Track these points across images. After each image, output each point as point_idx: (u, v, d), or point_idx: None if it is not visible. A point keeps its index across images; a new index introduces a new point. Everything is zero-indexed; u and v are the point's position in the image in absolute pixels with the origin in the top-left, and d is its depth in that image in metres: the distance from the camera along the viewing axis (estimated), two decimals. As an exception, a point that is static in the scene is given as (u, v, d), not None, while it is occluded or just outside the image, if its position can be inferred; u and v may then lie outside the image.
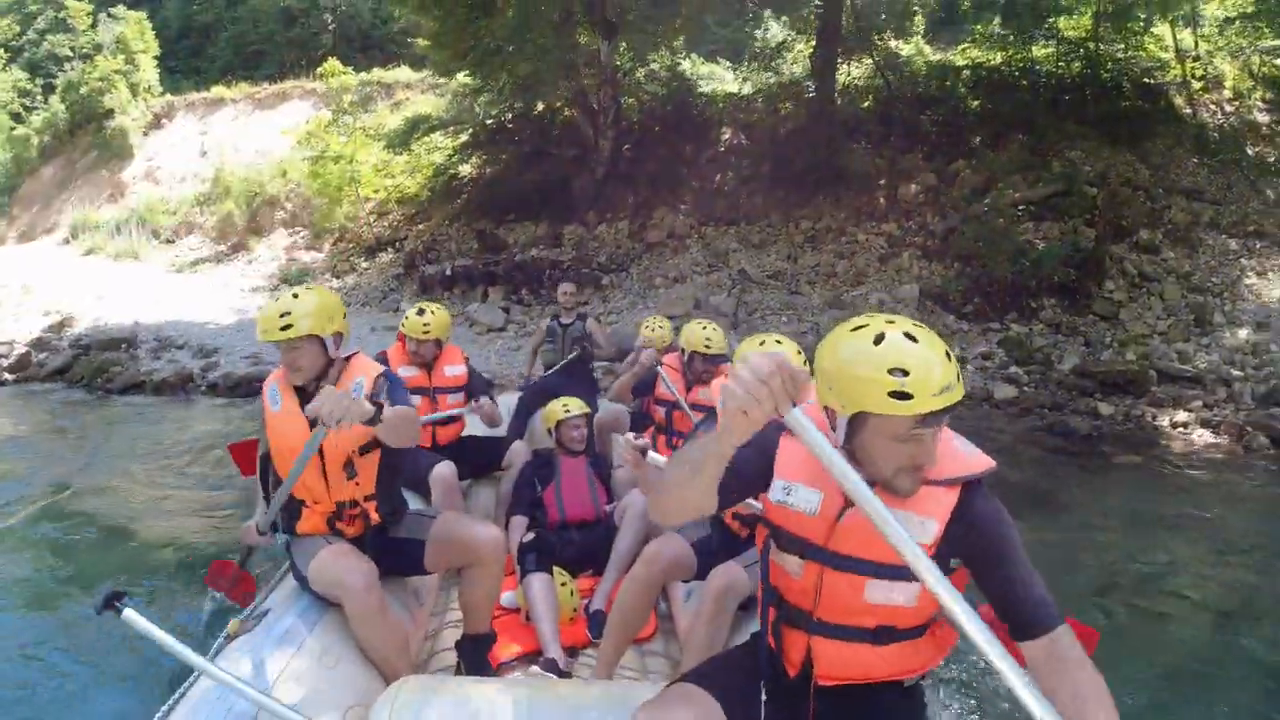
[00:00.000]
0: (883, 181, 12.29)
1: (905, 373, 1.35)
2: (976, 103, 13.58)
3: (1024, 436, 7.07)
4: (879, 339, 1.40)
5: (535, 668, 2.83)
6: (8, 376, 10.50)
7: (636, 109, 13.92)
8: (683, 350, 3.86)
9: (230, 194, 18.12)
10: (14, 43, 32.65)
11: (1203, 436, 7.07)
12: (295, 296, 2.52)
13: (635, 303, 10.69)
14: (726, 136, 14.00)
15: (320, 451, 2.49)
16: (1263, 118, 14.40)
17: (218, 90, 24.11)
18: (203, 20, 30.46)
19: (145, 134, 23.98)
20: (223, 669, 1.97)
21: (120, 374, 10.08)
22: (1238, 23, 15.31)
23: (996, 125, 13.35)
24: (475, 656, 2.77)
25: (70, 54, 29.24)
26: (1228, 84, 14.82)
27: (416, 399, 3.77)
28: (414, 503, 3.02)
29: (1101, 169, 12.09)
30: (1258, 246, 11.39)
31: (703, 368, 3.79)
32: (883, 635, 1.58)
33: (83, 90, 24.52)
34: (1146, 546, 4.94)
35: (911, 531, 1.39)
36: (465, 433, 4.17)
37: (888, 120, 13.50)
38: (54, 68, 30.28)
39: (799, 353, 2.73)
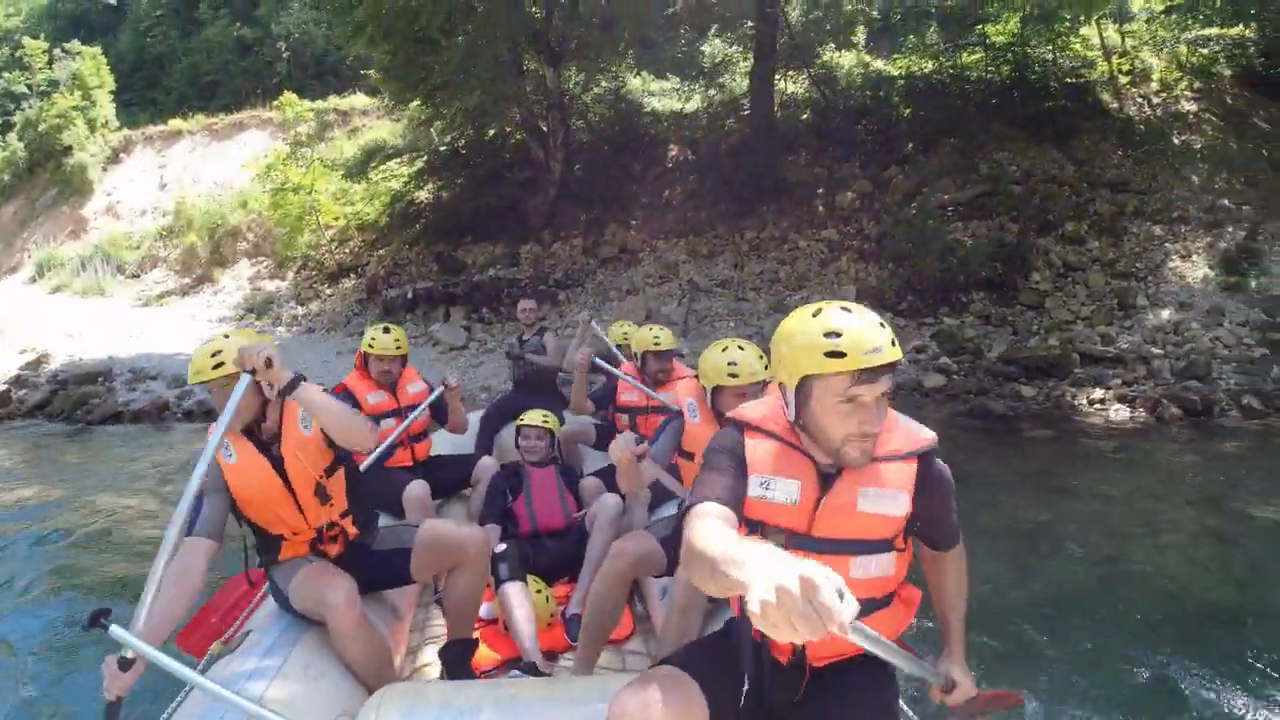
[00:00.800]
0: (821, 190, 12.76)
1: (838, 335, 1.51)
2: (909, 111, 14.09)
3: (947, 420, 7.47)
4: (816, 312, 1.58)
5: (516, 671, 2.86)
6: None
7: (585, 130, 14.33)
8: (636, 355, 4.05)
9: (192, 226, 18.35)
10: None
11: (1119, 411, 7.52)
12: (226, 336, 2.52)
13: (595, 316, 10.99)
14: (674, 153, 14.43)
15: (288, 484, 2.51)
16: (1190, 106, 14.92)
17: (174, 123, 24.25)
18: (156, 52, 30.49)
19: (104, 169, 24.03)
20: (211, 684, 2.02)
21: (99, 405, 10.41)
22: (1162, 16, 16.13)
23: (928, 131, 13.80)
24: (459, 662, 2.80)
25: (27, 91, 29.16)
26: (1155, 77, 15.41)
27: (389, 421, 3.90)
28: (388, 522, 3.08)
29: (1027, 167, 12.73)
30: (1182, 230, 11.92)
31: (657, 366, 3.97)
32: (865, 607, 1.65)
33: (41, 128, 24.57)
34: (1050, 506, 5.36)
35: (886, 506, 1.62)
36: (433, 452, 4.21)
37: (825, 131, 13.97)
38: (10, 105, 30.27)
39: (760, 357, 2.78)
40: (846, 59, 15.26)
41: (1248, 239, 11.53)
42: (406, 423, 3.87)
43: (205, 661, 2.39)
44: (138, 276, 18.88)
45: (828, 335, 1.51)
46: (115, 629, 1.92)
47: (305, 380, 2.29)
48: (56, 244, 22.48)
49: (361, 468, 3.41)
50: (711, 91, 14.81)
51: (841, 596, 1.03)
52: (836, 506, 1.62)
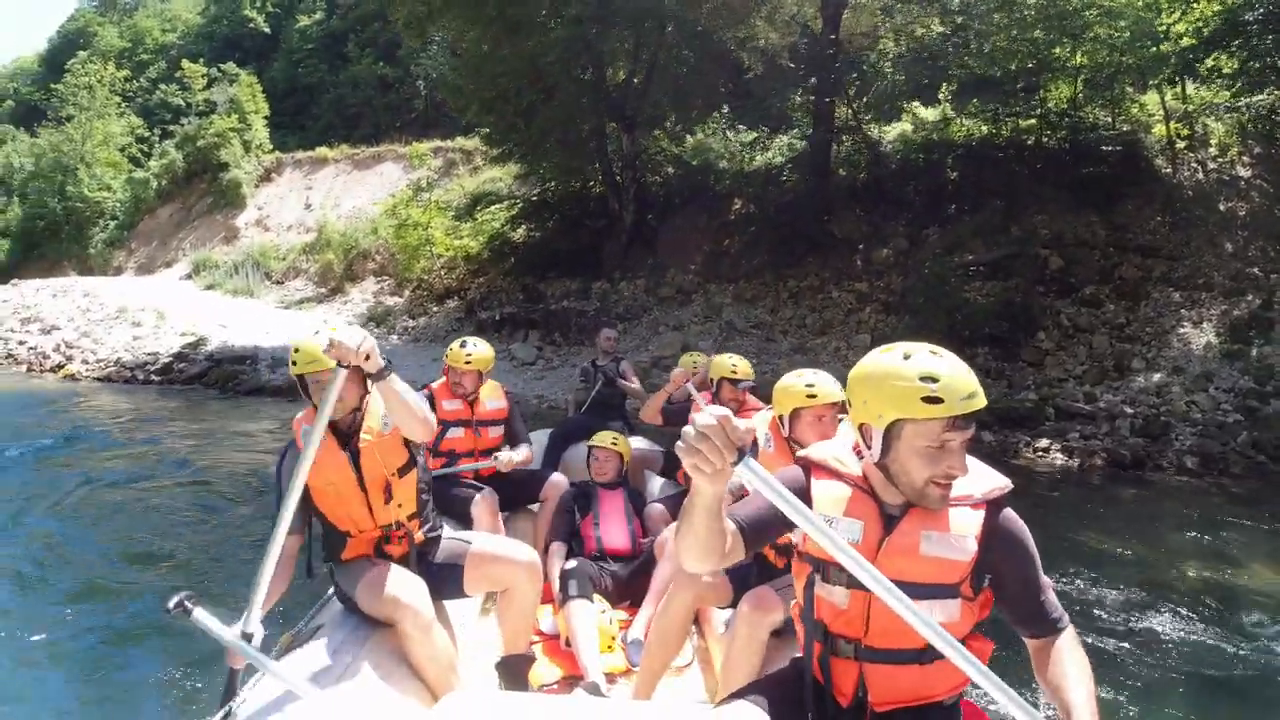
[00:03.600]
0: (861, 246, 14.04)
1: (935, 380, 1.50)
2: (955, 174, 15.27)
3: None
4: (907, 355, 1.57)
5: (580, 689, 2.89)
6: (155, 378, 14.03)
7: (660, 184, 16.34)
8: (711, 381, 4.14)
9: (331, 245, 21.54)
10: (128, 91, 37.48)
11: (1054, 459, 8.51)
12: (334, 330, 2.49)
13: (640, 346, 12.96)
14: (738, 206, 16.05)
15: (361, 480, 2.61)
16: (1245, 172, 15.19)
17: (321, 150, 27.88)
18: (306, 81, 34.54)
19: (257, 186, 27.85)
20: (280, 673, 2.09)
21: (245, 381, 13.07)
22: (1227, 79, 16.37)
23: (975, 194, 14.76)
24: (514, 676, 2.85)
25: (183, 104, 33.52)
26: (1214, 142, 15.71)
27: (460, 431, 4.09)
28: (454, 530, 3.15)
29: (1059, 231, 13.77)
30: (1203, 298, 12.45)
31: (730, 395, 4.03)
32: (929, 653, 1.62)
33: (199, 144, 28.57)
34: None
35: (950, 550, 1.59)
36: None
37: (877, 190, 15.16)
38: (166, 114, 34.46)
39: (835, 382, 2.78)
40: (901, 125, 16.55)
41: (1262, 308, 12.12)
42: (473, 465, 4.07)
43: (275, 654, 2.41)
44: (281, 283, 22.27)
45: (924, 380, 1.52)
46: (199, 613, 1.97)
47: (391, 369, 2.36)
48: (210, 248, 26.33)
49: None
50: (777, 144, 16.43)
51: (748, 441, 1.23)
52: (899, 548, 1.62)
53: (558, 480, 4.17)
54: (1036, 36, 15.30)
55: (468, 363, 4.05)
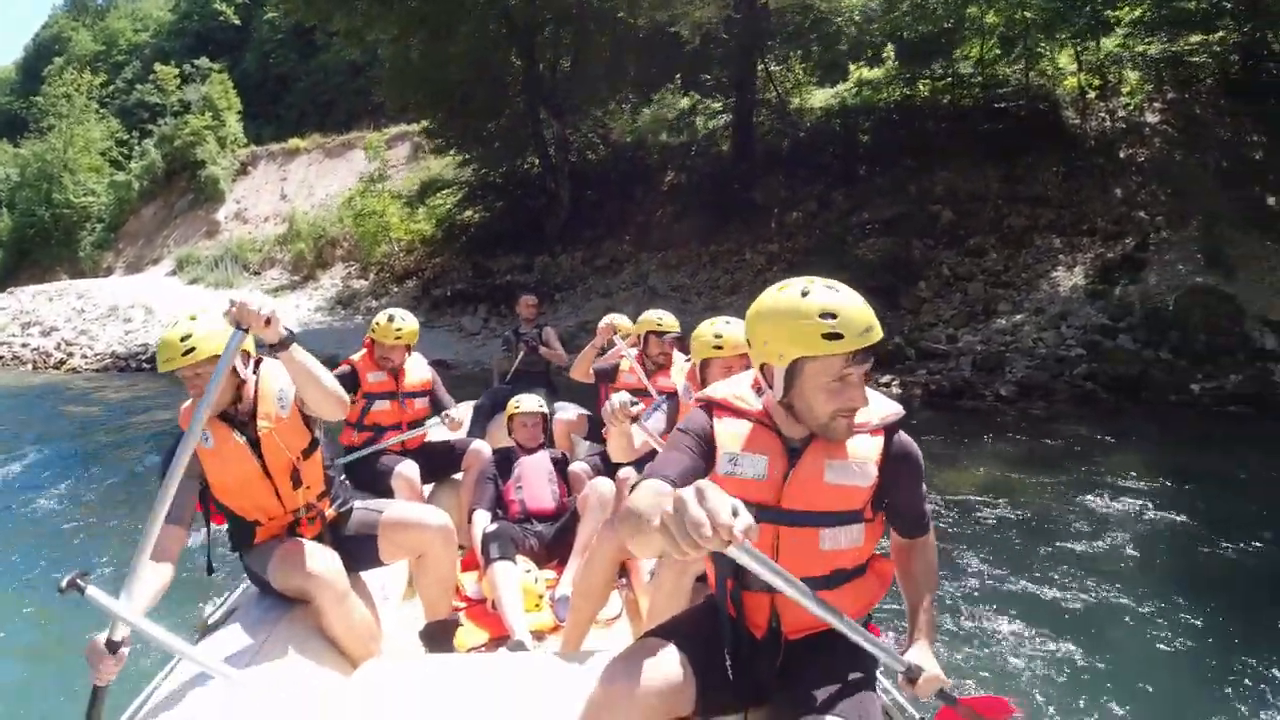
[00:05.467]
0: (776, 210, 15.65)
1: (834, 315, 1.56)
2: (867, 138, 16.75)
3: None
4: (805, 292, 1.62)
5: (504, 649, 2.97)
6: (146, 365, 16.20)
7: (594, 163, 18.06)
8: (639, 336, 4.19)
9: (301, 235, 23.42)
10: (105, 95, 38.91)
11: (892, 392, 9.89)
12: (193, 319, 2.45)
13: (573, 313, 14.77)
14: (670, 179, 17.67)
15: (265, 469, 2.53)
16: (1153, 119, 16.17)
17: (294, 141, 29.61)
18: (278, 71, 35.99)
19: (234, 180, 29.68)
20: (195, 655, 2.08)
21: (226, 369, 15.31)
22: (1140, 29, 16.47)
23: (888, 155, 16.12)
24: (438, 643, 2.88)
25: (160, 104, 35.23)
26: (1125, 90, 16.67)
27: (385, 404, 4.13)
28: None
29: (954, 187, 15.40)
30: (1083, 243, 13.73)
31: (658, 349, 4.10)
32: (836, 579, 1.76)
33: (176, 143, 30.33)
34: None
35: (852, 477, 1.70)
36: (428, 439, 4.36)
37: (796, 157, 16.66)
38: (144, 113, 35.94)
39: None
40: (824, 91, 18.16)
41: (1137, 248, 13.60)
42: (402, 437, 4.11)
43: (194, 635, 2.43)
44: (259, 273, 24.23)
45: (823, 316, 1.56)
46: (93, 591, 1.87)
47: (294, 340, 2.26)
48: (193, 244, 28.26)
49: (353, 456, 3.95)
50: (703, 115, 18.01)
51: (736, 512, 1.17)
52: (803, 479, 1.69)
53: (480, 448, 4.21)
54: None
55: (398, 337, 4.10)
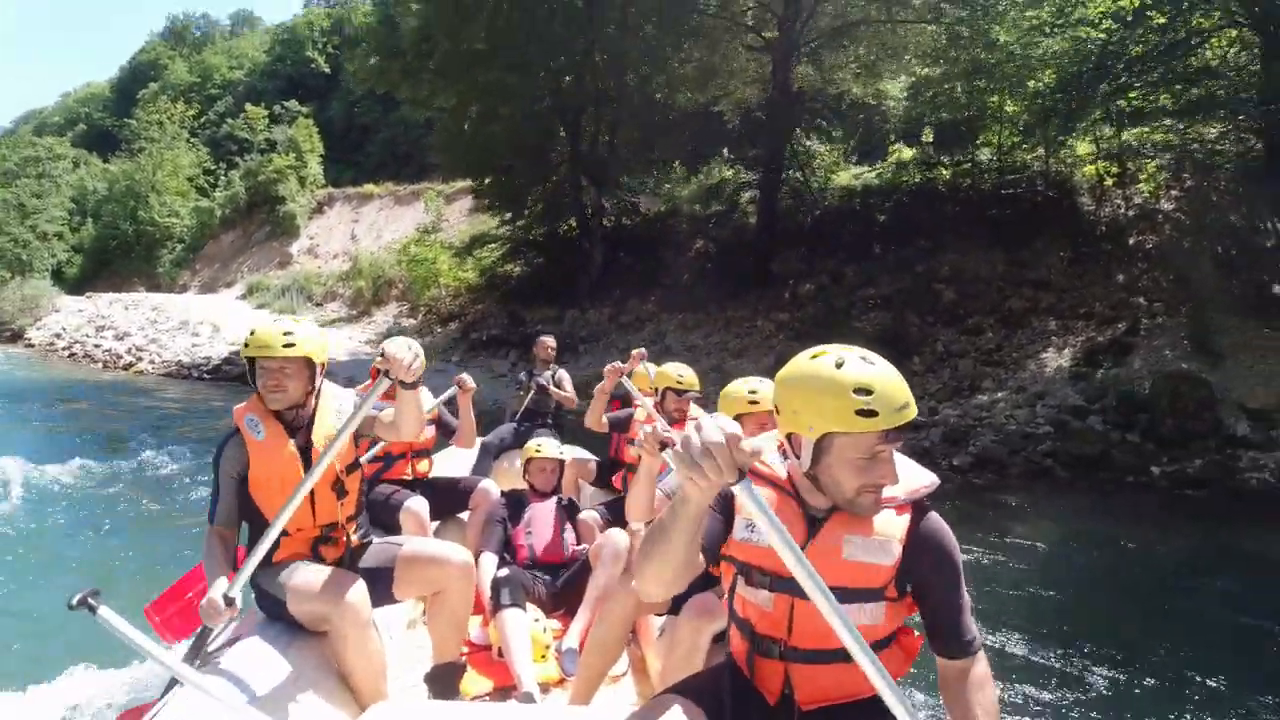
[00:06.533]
0: (791, 281, 17.10)
1: (869, 392, 1.53)
2: (884, 218, 18.14)
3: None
4: (840, 364, 1.59)
5: (512, 701, 2.98)
6: (206, 376, 18.78)
7: (629, 227, 20.08)
8: (656, 389, 4.24)
9: (362, 274, 25.90)
10: (197, 126, 42.98)
11: None
12: (295, 321, 2.68)
13: (592, 363, 16.44)
14: (699, 246, 19.45)
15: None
16: (1168, 206, 16.85)
17: (368, 186, 32.60)
18: (362, 121, 39.57)
19: (310, 217, 32.63)
20: (201, 684, 2.09)
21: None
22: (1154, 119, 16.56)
23: (904, 234, 17.39)
24: (444, 687, 2.89)
25: (248, 139, 38.62)
26: (1144, 177, 17.40)
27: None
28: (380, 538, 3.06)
29: (960, 268, 16.64)
30: (1078, 326, 14.56)
31: (675, 405, 4.13)
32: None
33: (259, 178, 33.62)
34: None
35: (874, 554, 1.65)
36: (435, 471, 4.43)
37: (816, 232, 18.21)
38: (232, 146, 39.60)
39: None
40: (844, 175, 19.71)
41: (1126, 333, 14.36)
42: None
43: (197, 659, 2.41)
44: (320, 305, 26.75)
45: (858, 392, 1.54)
46: (104, 612, 1.97)
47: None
48: (265, 272, 31.16)
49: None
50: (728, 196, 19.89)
51: (747, 451, 1.25)
52: (820, 552, 1.66)
53: (488, 488, 4.24)
54: (979, 86, 18.08)
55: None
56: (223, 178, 37.72)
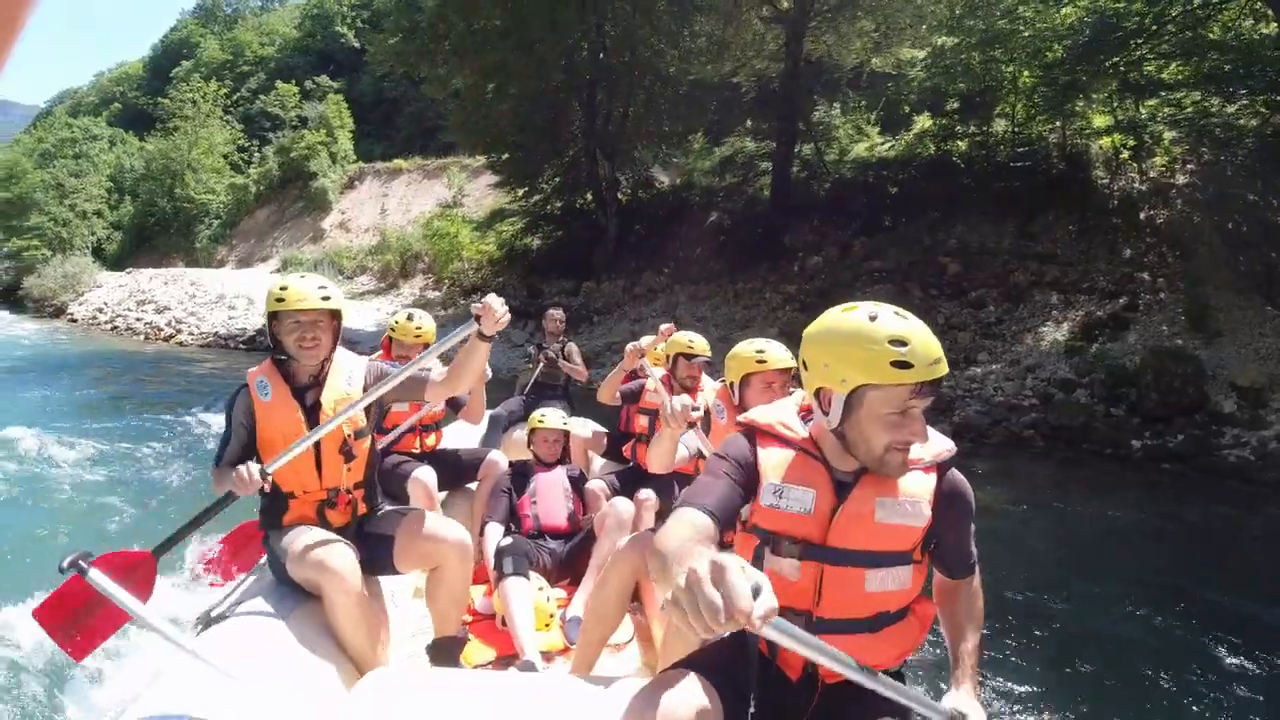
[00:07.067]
0: (801, 254, 17.69)
1: (904, 343, 1.55)
2: (895, 190, 18.52)
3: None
4: (874, 317, 1.60)
5: (512, 669, 3.00)
6: (242, 346, 20.27)
7: (645, 199, 20.78)
8: (668, 357, 4.33)
9: (390, 248, 27.00)
10: (230, 103, 44.39)
11: None
12: (307, 278, 2.73)
13: (604, 334, 17.17)
14: (713, 218, 20.09)
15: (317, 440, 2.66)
16: (1182, 180, 16.88)
17: (397, 161, 33.64)
18: (392, 95, 40.42)
19: (341, 192, 33.77)
20: (195, 650, 2.12)
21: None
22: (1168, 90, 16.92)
23: (916, 206, 17.75)
24: (445, 659, 2.94)
25: (280, 116, 39.86)
26: (1160, 149, 17.39)
27: (403, 405, 4.17)
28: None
29: (966, 240, 17.05)
30: (1080, 300, 15.01)
31: (686, 371, 4.19)
32: (879, 622, 1.75)
33: (292, 154, 34.85)
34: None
35: (905, 516, 1.69)
36: (443, 444, 4.49)
37: (829, 205, 18.63)
38: (265, 123, 41.03)
39: (786, 350, 2.95)
40: (860, 147, 20.07)
41: (1125, 309, 14.63)
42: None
43: (195, 625, 2.51)
44: (351, 278, 27.95)
45: (894, 343, 1.55)
46: (94, 575, 2.02)
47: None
48: (298, 247, 32.45)
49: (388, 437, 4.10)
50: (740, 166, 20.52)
51: (758, 592, 1.06)
52: (853, 516, 1.67)
53: (496, 459, 4.29)
54: (995, 56, 18.28)
55: (417, 335, 4.28)
56: (256, 154, 39.08)
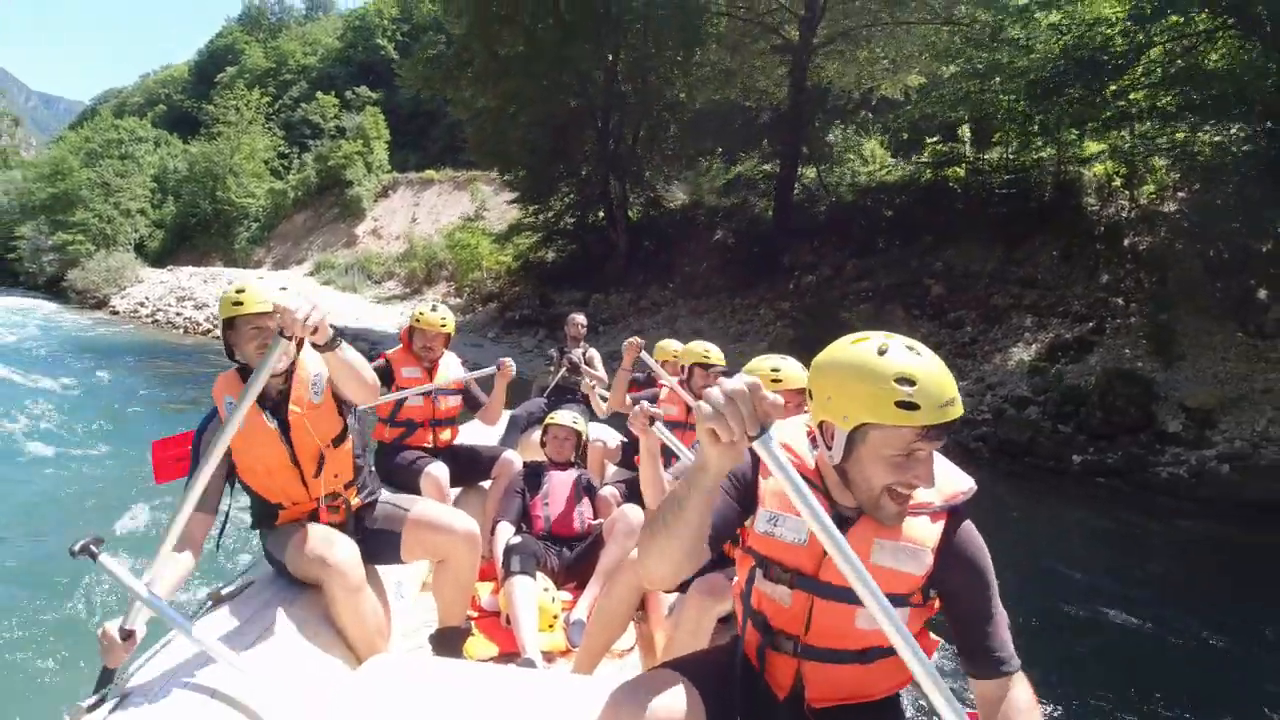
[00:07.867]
0: (796, 272, 19.05)
1: (912, 383, 1.48)
2: (890, 213, 19.85)
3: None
4: (883, 350, 1.53)
5: (512, 666, 3.02)
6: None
7: (656, 216, 22.62)
8: (683, 367, 4.43)
9: (417, 256, 29.10)
10: (272, 110, 47.00)
11: None
12: (260, 279, 2.75)
13: (607, 343, 18.81)
14: (718, 236, 21.74)
15: (293, 455, 2.66)
16: (1171, 208, 17.51)
17: (428, 172, 35.88)
18: (428, 108, 42.22)
19: (375, 200, 36.00)
20: (197, 635, 2.15)
21: (335, 350, 21.11)
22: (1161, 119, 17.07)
23: (909, 229, 18.89)
24: (448, 648, 3.03)
25: (320, 125, 42.14)
26: (1152, 177, 18.07)
27: (418, 399, 4.37)
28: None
29: (951, 263, 18.35)
30: (1052, 323, 15.84)
31: (703, 382, 4.26)
32: (870, 654, 1.71)
33: (329, 163, 37.21)
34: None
35: (903, 562, 1.61)
36: (459, 440, 4.59)
37: (830, 225, 19.96)
38: (306, 130, 43.59)
39: (804, 369, 2.77)
40: (864, 171, 21.39)
41: (1092, 331, 15.29)
42: (426, 387, 4.31)
43: (197, 609, 2.56)
44: (379, 283, 30.15)
45: (900, 382, 1.49)
46: (105, 559, 2.04)
47: (340, 339, 2.40)
48: (332, 251, 34.72)
49: (386, 438, 4.38)
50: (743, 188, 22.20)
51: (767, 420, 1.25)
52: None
53: (511, 458, 4.35)
54: (992, 85, 19.40)
55: (442, 326, 4.34)
56: (296, 161, 41.52)
